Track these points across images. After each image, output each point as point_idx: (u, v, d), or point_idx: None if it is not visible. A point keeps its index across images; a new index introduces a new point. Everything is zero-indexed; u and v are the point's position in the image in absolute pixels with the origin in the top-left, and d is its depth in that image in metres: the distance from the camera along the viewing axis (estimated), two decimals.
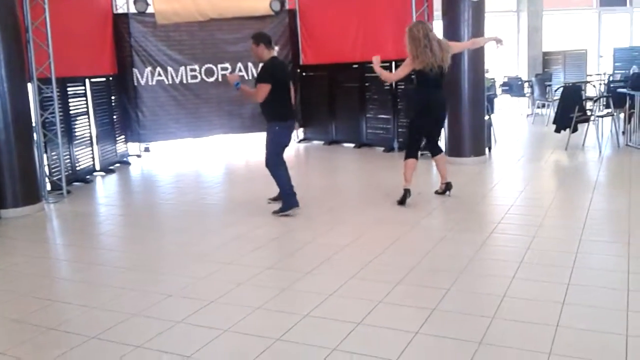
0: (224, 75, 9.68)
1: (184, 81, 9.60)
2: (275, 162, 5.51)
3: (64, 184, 6.97)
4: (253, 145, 10.03)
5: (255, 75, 5.56)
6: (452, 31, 7.47)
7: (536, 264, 3.97)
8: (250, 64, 9.73)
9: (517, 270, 3.85)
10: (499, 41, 5.83)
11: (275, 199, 5.82)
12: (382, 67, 5.85)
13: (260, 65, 5.59)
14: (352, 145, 9.69)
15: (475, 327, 3.08)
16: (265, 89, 5.29)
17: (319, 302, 3.51)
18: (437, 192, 6.02)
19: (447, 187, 5.91)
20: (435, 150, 6.03)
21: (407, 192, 5.66)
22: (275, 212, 5.52)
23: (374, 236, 4.82)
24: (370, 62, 5.82)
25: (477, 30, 7.50)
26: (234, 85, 5.38)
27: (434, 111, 5.73)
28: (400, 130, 8.97)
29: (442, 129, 6.00)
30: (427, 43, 5.41)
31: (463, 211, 5.49)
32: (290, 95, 5.62)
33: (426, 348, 2.90)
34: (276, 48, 5.67)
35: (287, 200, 5.53)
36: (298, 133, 10.51)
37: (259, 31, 5.90)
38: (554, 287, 3.55)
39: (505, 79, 13.77)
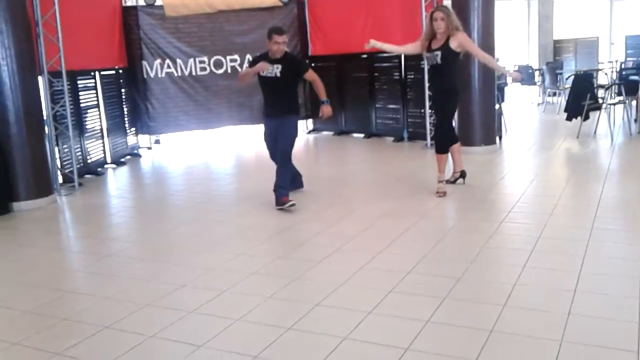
0: (232, 67, 9.70)
1: (193, 73, 9.61)
2: (290, 157, 5.56)
3: (75, 177, 7.02)
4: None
5: (281, 69, 5.39)
6: (461, 19, 7.37)
7: (547, 253, 3.96)
8: None
9: (528, 259, 3.84)
10: (514, 77, 5.86)
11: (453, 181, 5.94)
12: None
13: (287, 57, 5.45)
14: (362, 135, 9.67)
15: (487, 315, 3.08)
16: (313, 72, 5.55)
17: (330, 291, 3.52)
18: (448, 181, 5.97)
19: (462, 175, 5.97)
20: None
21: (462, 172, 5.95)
22: (280, 208, 5.40)
23: (384, 226, 4.82)
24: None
25: (487, 18, 7.45)
26: (326, 102, 5.46)
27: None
28: (409, 120, 8.95)
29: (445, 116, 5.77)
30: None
31: (474, 200, 5.48)
32: None
33: (437, 337, 2.91)
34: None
35: (280, 192, 5.45)
36: (307, 124, 10.51)
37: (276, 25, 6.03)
38: (565, 275, 3.54)
39: (516, 67, 13.67)
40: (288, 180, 5.54)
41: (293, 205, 5.34)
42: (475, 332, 2.91)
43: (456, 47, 5.43)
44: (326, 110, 5.44)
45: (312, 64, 10.12)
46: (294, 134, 5.51)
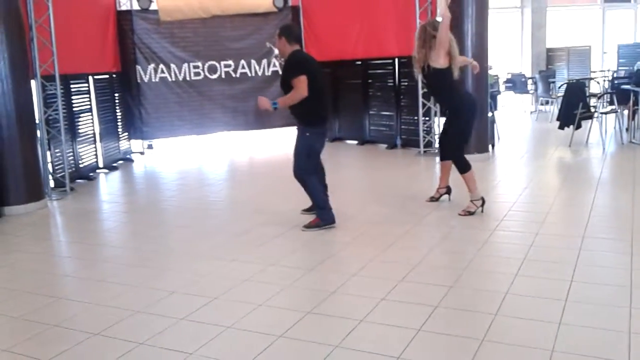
0: (227, 72, 9.70)
1: (187, 78, 9.60)
2: (304, 171, 4.94)
3: (67, 181, 6.99)
4: (257, 142, 10.05)
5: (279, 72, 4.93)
6: (455, 27, 7.44)
7: (539, 261, 3.97)
8: (253, 61, 9.74)
9: (520, 267, 3.84)
10: (474, 66, 5.55)
11: (308, 210, 5.29)
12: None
13: (286, 60, 4.91)
14: (355, 142, 9.68)
15: (478, 324, 3.08)
16: (301, 82, 4.64)
17: (322, 299, 3.52)
18: (432, 198, 5.67)
19: (447, 191, 5.66)
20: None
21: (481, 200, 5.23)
22: (306, 227, 4.96)
23: (377, 233, 4.82)
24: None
25: (481, 27, 7.49)
26: (272, 107, 4.79)
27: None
28: (403, 127, 8.97)
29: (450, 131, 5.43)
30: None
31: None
32: (325, 93, 5.04)
33: (429, 345, 2.90)
34: (267, 45, 5.31)
35: (321, 215, 4.98)
36: None
37: (285, 24, 5.43)
38: (557, 284, 3.55)
39: (509, 76, 13.74)
40: (320, 198, 4.98)
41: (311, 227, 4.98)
42: (467, 341, 2.91)
43: (434, 63, 5.08)
44: (262, 102, 4.83)
45: None
46: (301, 146, 4.90)
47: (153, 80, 9.43)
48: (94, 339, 3.14)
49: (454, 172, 5.39)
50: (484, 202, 5.21)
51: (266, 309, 3.43)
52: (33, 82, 6.52)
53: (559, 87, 11.41)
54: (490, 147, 8.09)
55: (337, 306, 3.42)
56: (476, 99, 5.71)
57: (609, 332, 2.92)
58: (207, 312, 3.43)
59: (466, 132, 5.31)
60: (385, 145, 9.12)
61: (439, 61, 5.06)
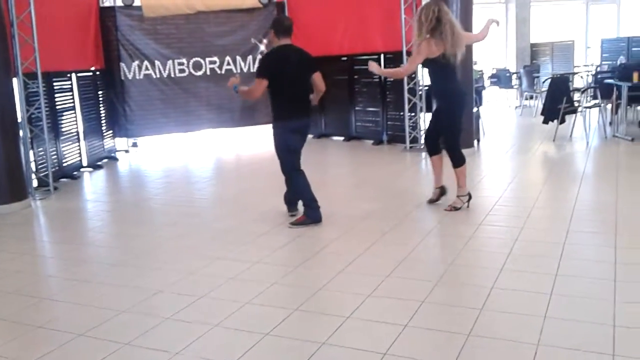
0: (211, 69, 9.65)
1: (172, 75, 9.52)
2: (285, 167, 5.01)
3: (50, 180, 6.91)
4: (243, 139, 10.01)
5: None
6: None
7: (524, 255, 3.99)
8: (238, 58, 9.68)
9: (505, 262, 3.87)
10: (494, 21, 5.36)
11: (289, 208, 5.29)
12: (369, 59, 5.60)
13: None
14: (342, 138, 9.68)
15: (464, 319, 3.09)
16: (259, 84, 4.75)
17: (308, 296, 3.51)
18: (431, 201, 5.44)
19: (442, 191, 5.41)
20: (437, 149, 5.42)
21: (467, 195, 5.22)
22: (292, 224, 5.00)
23: (363, 230, 4.83)
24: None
25: (466, 21, 7.50)
26: (232, 89, 4.86)
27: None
28: (389, 123, 8.97)
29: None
30: (441, 27, 4.85)
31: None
32: (302, 89, 5.01)
33: (415, 340, 2.91)
34: (264, 41, 5.39)
35: (307, 212, 5.01)
36: None
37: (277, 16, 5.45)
38: (542, 278, 3.57)
39: (494, 71, 13.82)
40: (305, 195, 5.00)
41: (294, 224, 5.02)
42: (453, 335, 2.92)
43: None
44: (231, 80, 4.87)
45: None
46: (274, 142, 4.99)
47: (137, 77, 9.34)
48: (79, 339, 3.11)
49: (447, 168, 5.31)
50: (470, 197, 5.22)
51: (253, 307, 3.42)
52: (15, 80, 6.42)
53: (543, 82, 11.49)
54: (475, 142, 8.13)
55: (324, 303, 3.42)
56: (464, 89, 5.52)
57: (594, 325, 2.95)
58: (193, 310, 3.41)
59: (460, 123, 5.23)
60: (372, 141, 9.12)
61: (432, 49, 4.91)
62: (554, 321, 3.00)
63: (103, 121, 8.95)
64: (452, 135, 5.21)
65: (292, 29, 5.01)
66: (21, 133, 6.43)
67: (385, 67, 8.74)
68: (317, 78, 5.09)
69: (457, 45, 4.90)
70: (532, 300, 3.28)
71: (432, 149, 5.38)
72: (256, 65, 9.62)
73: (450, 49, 4.88)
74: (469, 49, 7.57)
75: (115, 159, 9.05)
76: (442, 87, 5.18)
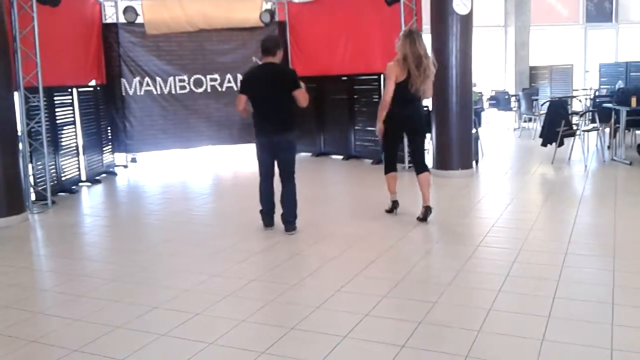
0: (212, 86, 9.70)
1: (173, 92, 9.57)
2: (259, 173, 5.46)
3: (49, 194, 6.90)
4: (242, 156, 10.01)
5: None
6: (440, 45, 7.54)
7: (522, 277, 3.98)
8: (239, 76, 9.73)
9: (503, 284, 3.85)
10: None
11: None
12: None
13: None
14: (341, 157, 9.70)
15: (462, 340, 3.07)
16: (238, 98, 5.18)
17: (305, 315, 3.49)
18: (418, 219, 5.51)
19: (426, 211, 5.45)
20: (418, 168, 5.65)
21: (394, 203, 5.80)
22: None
23: (361, 249, 4.81)
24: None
25: (465, 44, 7.58)
26: None
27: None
28: None
29: (422, 145, 5.70)
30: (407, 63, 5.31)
31: (450, 224, 5.50)
32: (275, 106, 5.09)
33: None
34: (253, 59, 5.44)
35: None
36: None
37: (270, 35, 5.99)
38: (540, 300, 3.56)
39: (493, 93, 13.89)
40: (260, 199, 5.54)
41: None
42: (451, 357, 2.90)
43: None
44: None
45: None
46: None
47: (138, 93, 9.39)
48: (73, 355, 3.08)
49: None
50: (396, 206, 5.76)
51: (249, 325, 3.39)
52: (16, 94, 6.45)
53: (542, 105, 11.54)
54: (474, 163, 8.15)
55: (320, 322, 3.40)
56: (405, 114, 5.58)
57: (592, 349, 2.93)
58: (189, 328, 3.38)
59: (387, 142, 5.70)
60: (371, 161, 9.14)
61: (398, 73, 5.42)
62: (551, 344, 2.98)
63: (103, 136, 8.96)
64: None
65: (273, 49, 5.15)
66: (21, 146, 6.44)
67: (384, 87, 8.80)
68: (298, 94, 5.13)
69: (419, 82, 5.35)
70: (530, 322, 3.26)
71: (416, 168, 5.75)
72: None
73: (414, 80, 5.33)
74: (468, 71, 7.66)
75: (114, 174, 9.05)
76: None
